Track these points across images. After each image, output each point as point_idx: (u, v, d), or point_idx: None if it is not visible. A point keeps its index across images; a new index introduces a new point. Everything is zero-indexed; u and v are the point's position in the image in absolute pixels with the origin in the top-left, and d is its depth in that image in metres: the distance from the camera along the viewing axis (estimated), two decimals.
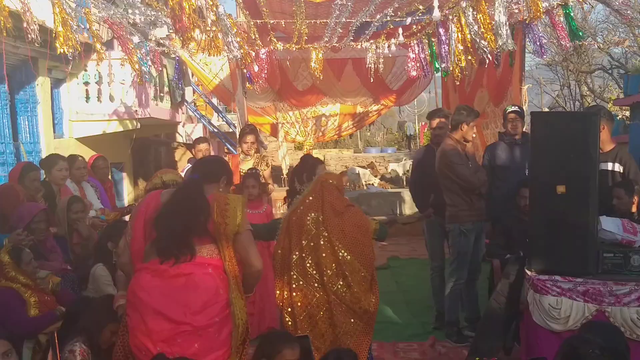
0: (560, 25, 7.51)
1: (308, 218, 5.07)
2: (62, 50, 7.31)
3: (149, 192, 4.97)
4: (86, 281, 5.77)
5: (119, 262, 4.15)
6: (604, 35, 19.89)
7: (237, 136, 12.61)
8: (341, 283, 4.96)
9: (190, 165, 8.85)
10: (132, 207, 8.16)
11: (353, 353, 4.41)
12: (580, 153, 5.07)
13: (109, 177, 8.96)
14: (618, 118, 8.74)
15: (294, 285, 5.06)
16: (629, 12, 6.92)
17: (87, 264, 6.07)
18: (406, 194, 16.62)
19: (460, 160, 6.78)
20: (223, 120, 18.41)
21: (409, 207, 16.41)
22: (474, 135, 7.00)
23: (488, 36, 6.79)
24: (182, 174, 8.78)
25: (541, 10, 6.02)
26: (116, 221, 6.73)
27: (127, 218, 8.87)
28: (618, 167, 6.33)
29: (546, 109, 23.59)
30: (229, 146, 16.26)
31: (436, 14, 7.47)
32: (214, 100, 18.43)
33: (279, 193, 14.23)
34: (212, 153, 10.99)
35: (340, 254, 4.96)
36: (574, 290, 5.00)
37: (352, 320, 4.97)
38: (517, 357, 5.75)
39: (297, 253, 5.08)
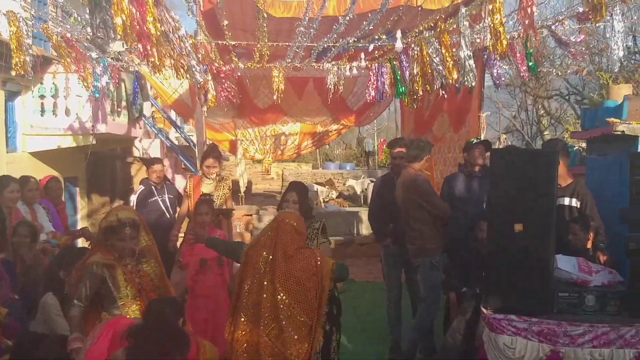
0: (520, 55, 7.58)
1: (260, 256, 4.96)
2: (15, 73, 7.12)
3: (104, 230, 4.83)
4: (33, 310, 5.57)
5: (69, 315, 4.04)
6: (562, 60, 20.22)
7: (196, 152, 12.54)
8: (273, 325, 4.83)
9: (143, 187, 8.74)
10: (85, 231, 8.00)
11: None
12: (539, 191, 5.09)
13: (62, 198, 8.75)
14: (575, 149, 8.84)
15: (240, 319, 4.98)
16: (583, 48, 7.00)
17: (34, 292, 5.87)
18: (364, 214, 16.58)
19: (432, 190, 6.81)
20: (181, 136, 18.20)
21: (366, 227, 16.39)
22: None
23: (448, 68, 6.80)
24: (134, 198, 8.71)
25: (506, 49, 6.04)
26: (68, 248, 6.52)
27: (78, 242, 8.73)
28: (575, 202, 6.37)
29: (503, 133, 23.83)
30: (186, 162, 16.07)
31: (399, 45, 7.48)
32: (172, 115, 18.23)
33: (237, 212, 14.16)
34: (167, 172, 10.86)
35: (279, 297, 4.82)
36: (529, 330, 5.01)
37: None
38: None
39: (246, 287, 5.01)
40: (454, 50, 6.86)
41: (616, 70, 6.07)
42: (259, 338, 4.83)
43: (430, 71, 7.48)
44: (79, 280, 4.83)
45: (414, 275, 7.13)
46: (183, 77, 7.63)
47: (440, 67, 7.40)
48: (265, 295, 4.85)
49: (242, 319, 4.94)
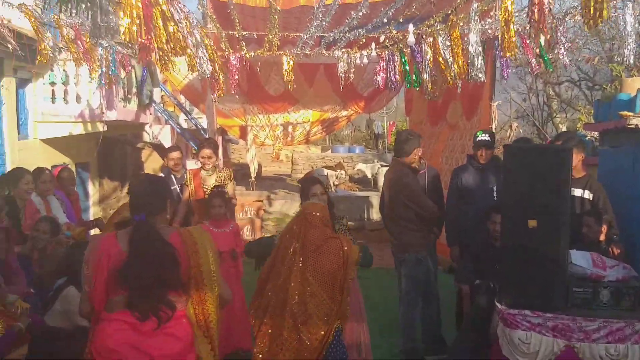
0: (530, 48, 7.50)
1: (291, 246, 5.10)
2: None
3: (117, 225, 4.82)
4: (48, 302, 5.58)
5: (82, 312, 3.96)
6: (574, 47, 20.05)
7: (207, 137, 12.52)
8: (301, 312, 4.96)
9: (163, 174, 8.67)
10: (99, 222, 8.04)
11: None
12: (552, 187, 5.09)
13: (75, 188, 8.76)
14: (587, 139, 8.81)
15: (266, 303, 5.11)
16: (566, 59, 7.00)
17: (48, 284, 5.89)
18: (374, 198, 16.58)
19: (419, 188, 6.78)
20: (192, 122, 18.22)
21: (376, 212, 16.40)
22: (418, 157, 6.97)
23: (458, 63, 6.76)
24: None
25: (515, 46, 6.02)
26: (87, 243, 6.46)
27: (92, 232, 8.75)
28: (588, 195, 6.37)
29: (514, 119, 23.74)
30: (196, 148, 16.09)
31: (411, 39, 7.44)
32: (181, 100, 18.24)
33: (246, 198, 14.20)
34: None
35: (309, 288, 4.97)
36: (544, 325, 5.03)
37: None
38: None
39: (275, 273, 5.14)
40: (464, 41, 6.79)
41: (631, 62, 6.02)
42: (284, 323, 4.95)
43: (442, 61, 7.43)
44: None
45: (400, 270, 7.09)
46: (194, 70, 7.60)
47: (451, 60, 7.35)
48: (293, 284, 4.98)
49: (271, 303, 5.07)
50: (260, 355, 5.06)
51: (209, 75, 7.83)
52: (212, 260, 3.84)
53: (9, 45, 8.15)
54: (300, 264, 5.02)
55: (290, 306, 4.96)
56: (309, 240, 5.05)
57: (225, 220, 7.08)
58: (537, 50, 7.09)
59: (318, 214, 5.17)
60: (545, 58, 6.95)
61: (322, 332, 4.99)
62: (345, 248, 5.06)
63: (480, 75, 6.50)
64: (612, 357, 4.90)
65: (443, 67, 7.46)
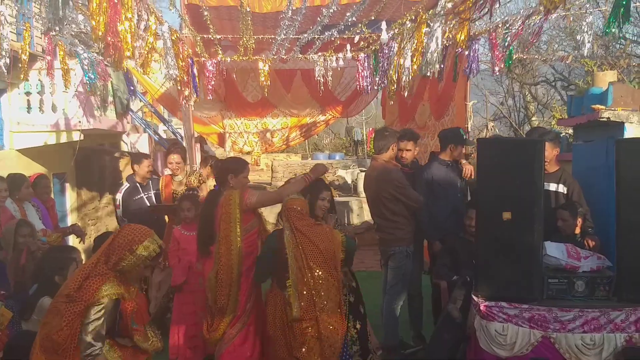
0: (497, 48, 7.48)
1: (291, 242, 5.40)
2: None
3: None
4: (25, 310, 5.52)
5: None
6: (547, 46, 20.25)
7: (185, 145, 12.45)
8: (323, 300, 5.29)
9: (128, 185, 8.53)
10: (75, 228, 7.97)
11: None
12: (526, 179, 5.15)
13: (51, 195, 8.69)
14: (562, 135, 8.87)
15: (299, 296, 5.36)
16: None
17: (25, 291, 5.84)
18: (354, 203, 16.67)
19: (406, 181, 6.81)
20: (170, 130, 18.15)
21: (357, 216, 16.47)
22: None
23: (415, 59, 6.73)
24: (120, 196, 8.48)
25: (465, 40, 6.15)
26: (61, 250, 6.29)
27: (69, 239, 8.68)
28: (562, 189, 6.42)
29: (490, 120, 23.89)
30: None
31: (384, 36, 7.47)
32: (160, 110, 18.15)
33: None
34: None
35: (317, 273, 5.30)
36: (520, 316, 5.07)
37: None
38: None
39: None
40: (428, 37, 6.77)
41: (585, 54, 6.09)
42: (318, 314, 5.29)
43: (397, 63, 7.41)
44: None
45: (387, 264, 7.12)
46: (149, 73, 7.51)
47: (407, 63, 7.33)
48: (305, 279, 5.30)
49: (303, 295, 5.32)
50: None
51: (175, 78, 7.74)
52: None
53: None
54: (302, 255, 5.32)
55: (311, 296, 5.28)
56: (299, 232, 5.38)
57: (194, 224, 6.77)
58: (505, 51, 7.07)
59: (298, 207, 5.50)
60: (510, 55, 6.93)
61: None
62: (331, 232, 5.54)
63: (431, 68, 6.47)
64: (587, 346, 4.95)
65: (399, 69, 7.40)
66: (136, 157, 9.01)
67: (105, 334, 4.19)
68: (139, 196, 8.36)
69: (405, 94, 7.78)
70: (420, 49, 6.46)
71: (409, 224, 6.86)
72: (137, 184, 8.42)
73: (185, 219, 6.91)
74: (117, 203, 8.42)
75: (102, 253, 4.31)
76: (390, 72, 7.83)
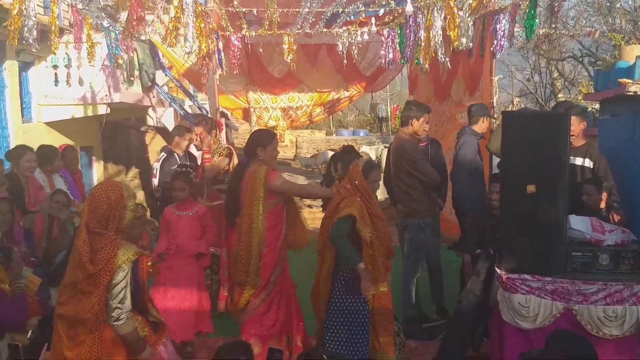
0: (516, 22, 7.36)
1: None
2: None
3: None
4: (54, 277, 5.62)
5: None
6: (575, 21, 20.00)
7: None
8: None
9: (165, 154, 8.46)
10: None
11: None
12: (551, 153, 5.11)
13: (78, 166, 8.80)
14: (589, 110, 8.79)
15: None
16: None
17: (52, 261, 5.95)
18: None
19: (421, 155, 6.82)
20: (195, 105, 18.21)
21: (380, 192, 16.42)
22: (425, 130, 7.03)
23: (453, 31, 6.70)
24: (157, 165, 8.42)
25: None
26: None
27: None
28: (588, 163, 6.38)
29: (516, 96, 23.65)
30: None
31: (409, 8, 7.44)
32: (186, 85, 18.21)
33: None
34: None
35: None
36: (543, 288, 5.07)
37: None
38: (485, 352, 5.79)
39: None
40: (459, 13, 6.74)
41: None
42: None
43: (427, 36, 7.36)
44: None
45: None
46: (174, 44, 7.52)
47: (438, 35, 7.29)
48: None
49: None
50: None
51: (192, 51, 7.72)
52: None
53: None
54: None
55: None
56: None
57: (190, 203, 6.64)
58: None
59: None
60: (534, 26, 6.79)
61: None
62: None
63: (470, 44, 6.44)
64: (609, 318, 4.95)
65: (430, 41, 7.35)
66: (179, 130, 8.77)
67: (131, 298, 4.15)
68: (176, 165, 8.18)
69: (448, 65, 7.74)
70: (455, 20, 6.43)
71: (423, 197, 6.88)
72: (175, 154, 8.28)
73: (178, 199, 6.57)
74: (154, 172, 8.19)
75: (94, 225, 3.96)
76: (421, 45, 7.79)
